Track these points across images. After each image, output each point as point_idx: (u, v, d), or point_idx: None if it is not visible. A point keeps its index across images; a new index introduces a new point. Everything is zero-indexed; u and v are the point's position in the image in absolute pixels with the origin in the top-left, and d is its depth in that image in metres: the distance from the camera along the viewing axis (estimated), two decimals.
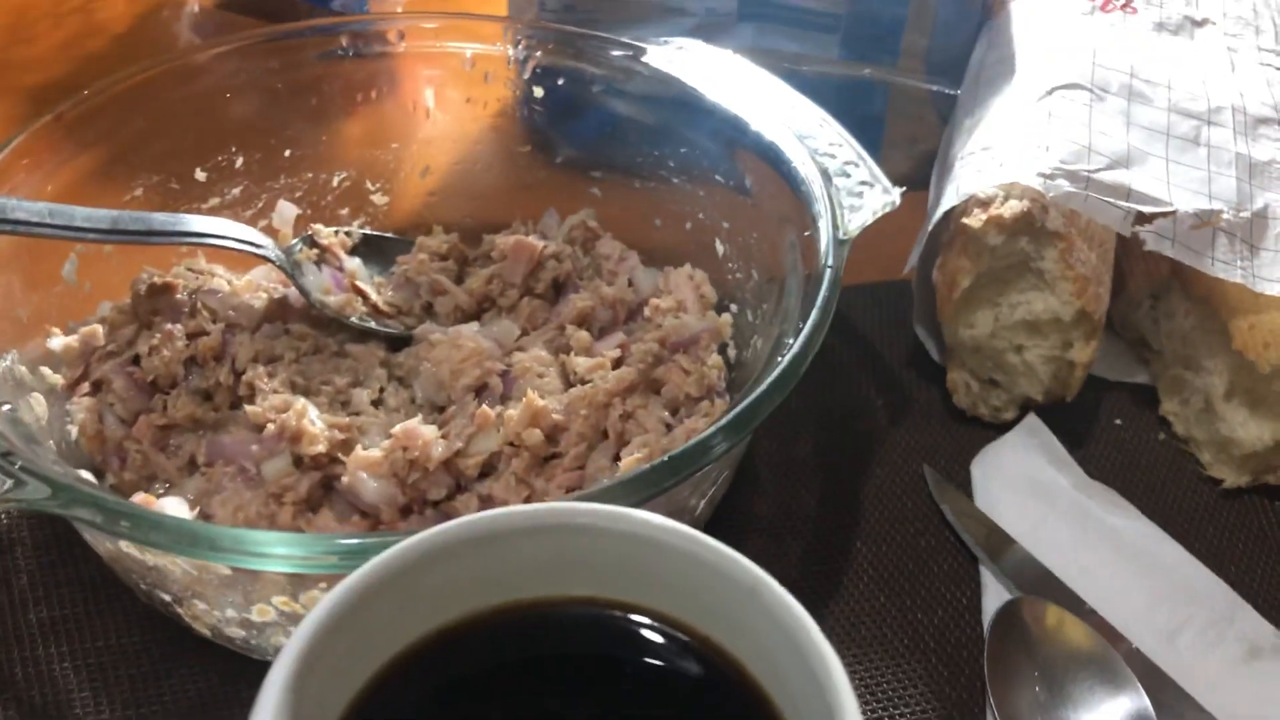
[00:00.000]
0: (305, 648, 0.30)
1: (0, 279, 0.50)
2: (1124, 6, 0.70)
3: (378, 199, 0.66)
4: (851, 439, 0.61)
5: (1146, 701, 0.47)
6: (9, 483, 0.38)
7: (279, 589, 0.41)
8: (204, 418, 0.53)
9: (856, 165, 0.54)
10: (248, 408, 0.53)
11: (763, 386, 0.43)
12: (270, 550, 0.37)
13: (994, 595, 0.53)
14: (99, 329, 0.55)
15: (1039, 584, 0.53)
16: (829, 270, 0.48)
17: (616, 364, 0.56)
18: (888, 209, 0.52)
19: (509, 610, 0.35)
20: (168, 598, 0.45)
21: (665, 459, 0.41)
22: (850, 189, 0.52)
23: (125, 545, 0.42)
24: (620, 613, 0.34)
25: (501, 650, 0.35)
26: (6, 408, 0.45)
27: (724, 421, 0.42)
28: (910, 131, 0.78)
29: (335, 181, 0.65)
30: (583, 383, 0.55)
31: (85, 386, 0.53)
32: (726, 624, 0.34)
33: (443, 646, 0.34)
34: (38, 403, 0.49)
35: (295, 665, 0.30)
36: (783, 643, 0.32)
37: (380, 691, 0.33)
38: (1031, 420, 0.61)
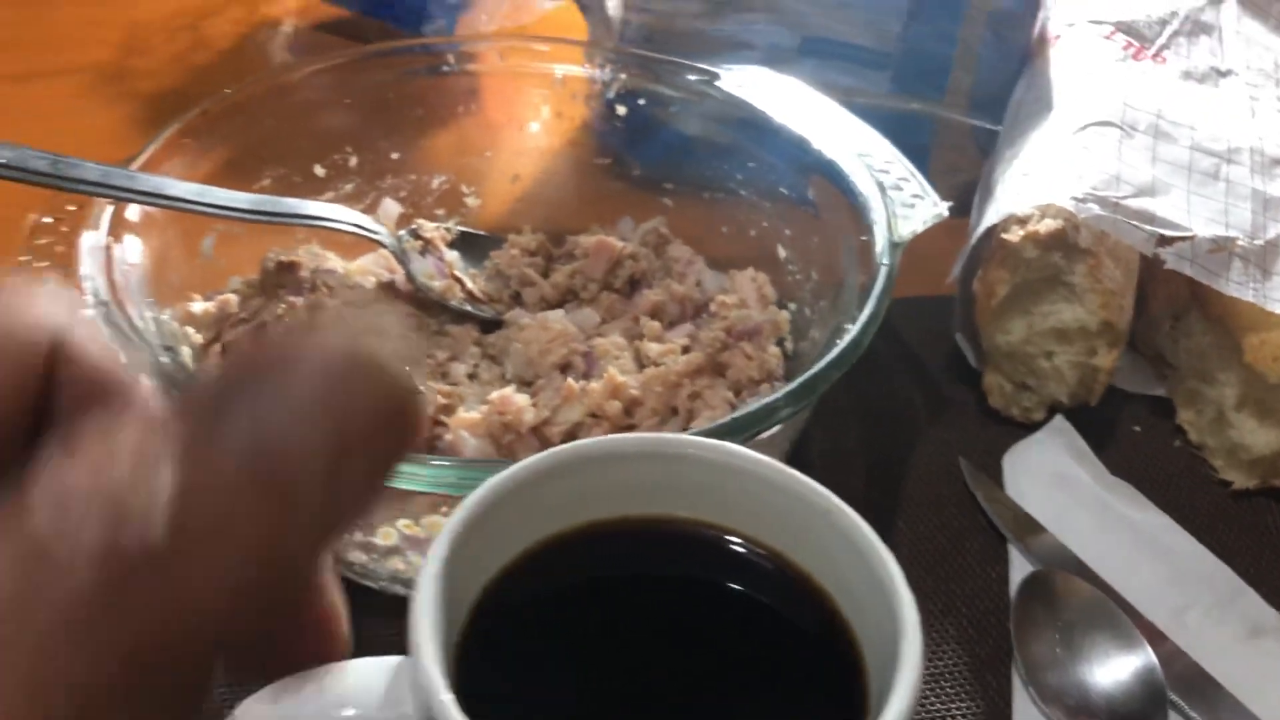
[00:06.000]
0: (451, 541, 0.36)
1: (158, 246, 0.57)
2: (1154, 56, 0.77)
3: (470, 201, 0.73)
4: (895, 434, 0.67)
5: (1155, 660, 0.53)
6: None
7: (405, 513, 0.48)
8: None
9: (908, 180, 0.60)
10: None
11: (825, 361, 0.50)
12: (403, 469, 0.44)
13: (1020, 570, 0.59)
14: (232, 298, 0.61)
15: (1062, 562, 0.59)
16: (884, 267, 0.55)
17: (685, 350, 0.63)
18: (937, 219, 0.58)
19: (619, 523, 0.41)
20: None
21: (734, 415, 0.47)
22: (903, 200, 0.59)
23: None
24: (714, 532, 0.41)
25: (609, 559, 0.41)
26: (170, 352, 0.52)
27: (790, 388, 0.49)
28: (953, 162, 0.84)
29: (435, 184, 0.72)
30: (655, 365, 0.61)
31: (218, 348, 0.60)
32: (802, 543, 0.39)
33: (556, 552, 0.40)
34: (187, 356, 0.56)
35: (445, 555, 0.36)
36: (852, 558, 0.38)
37: (501, 587, 0.39)
38: (1059, 421, 0.67)
